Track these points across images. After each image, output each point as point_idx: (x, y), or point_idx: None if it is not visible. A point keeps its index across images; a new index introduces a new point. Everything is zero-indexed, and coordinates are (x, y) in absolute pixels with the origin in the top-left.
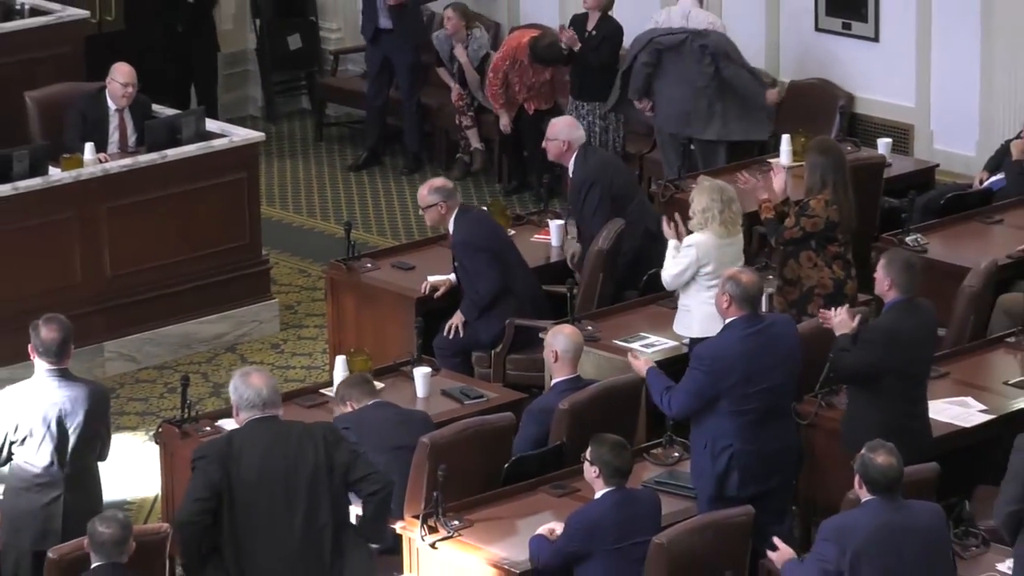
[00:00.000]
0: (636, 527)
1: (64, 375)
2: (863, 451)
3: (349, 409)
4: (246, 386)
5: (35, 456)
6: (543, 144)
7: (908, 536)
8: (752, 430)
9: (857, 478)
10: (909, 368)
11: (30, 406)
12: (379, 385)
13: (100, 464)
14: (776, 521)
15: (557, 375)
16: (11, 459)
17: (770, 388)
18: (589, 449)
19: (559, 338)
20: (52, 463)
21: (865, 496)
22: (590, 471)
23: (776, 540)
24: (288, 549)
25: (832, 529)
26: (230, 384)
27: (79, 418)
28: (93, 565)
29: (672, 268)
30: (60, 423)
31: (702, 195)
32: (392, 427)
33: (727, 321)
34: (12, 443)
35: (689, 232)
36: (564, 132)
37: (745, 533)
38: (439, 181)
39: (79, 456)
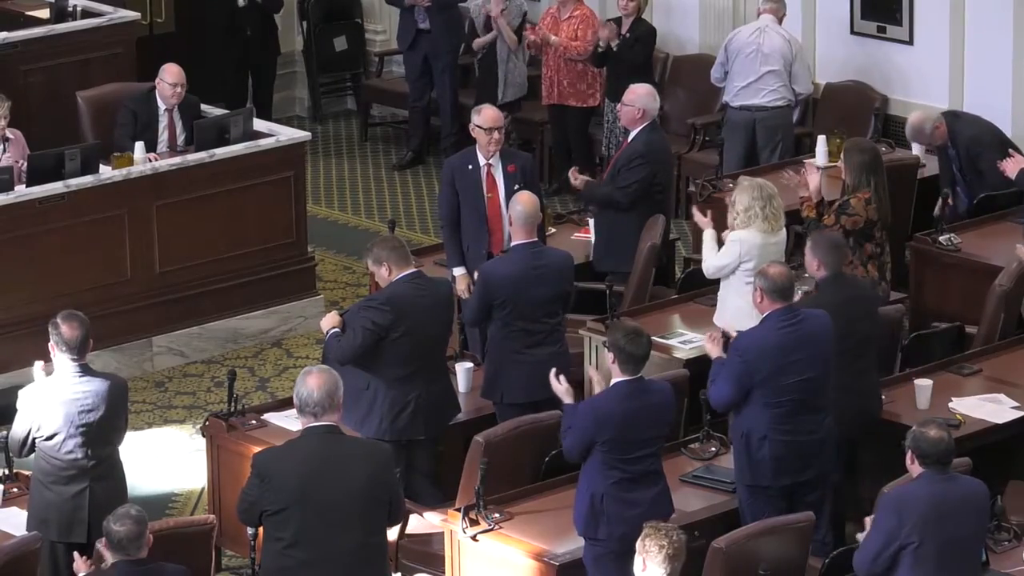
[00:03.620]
0: (644, 419)
1: (85, 370)
2: (914, 427)
3: (385, 272)
4: (303, 387)
5: (60, 450)
6: (631, 109)
7: (962, 505)
8: (786, 421)
9: (909, 453)
10: (845, 342)
11: (53, 401)
12: None
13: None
14: (818, 514)
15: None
16: (33, 451)
17: (804, 380)
18: (606, 336)
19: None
20: (77, 456)
21: (917, 470)
22: (607, 358)
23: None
24: (335, 566)
25: (891, 500)
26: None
27: (101, 411)
28: (111, 562)
29: (716, 260)
30: (83, 417)
31: (743, 194)
32: (423, 315)
33: (764, 315)
34: (36, 438)
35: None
36: (642, 100)
37: (805, 539)
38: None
39: (102, 448)
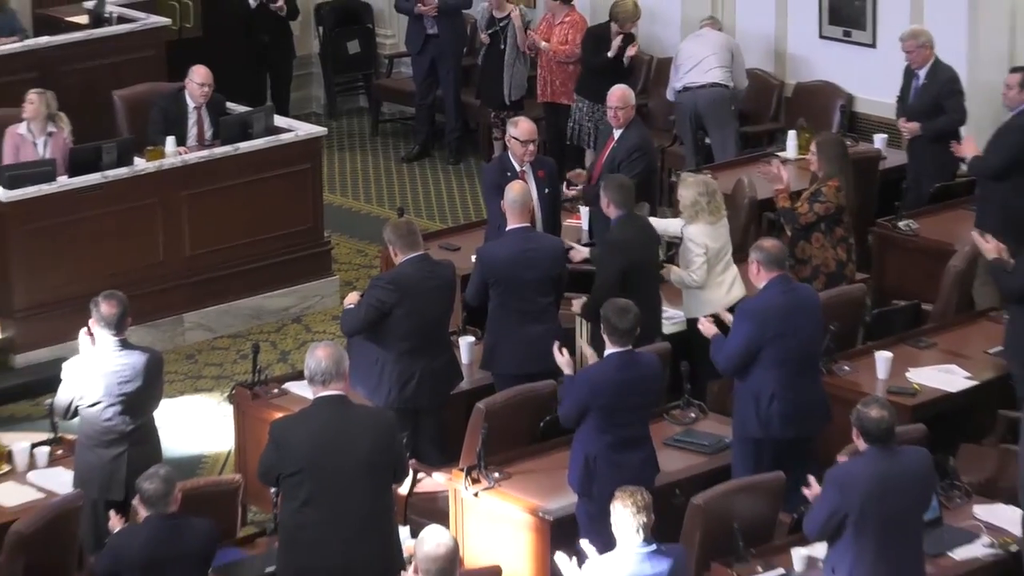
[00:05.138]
0: (635, 388)
1: (123, 344)
2: (858, 406)
3: (393, 255)
4: (312, 358)
5: (101, 417)
6: (617, 112)
7: (903, 479)
8: (791, 378)
9: (855, 430)
10: (633, 270)
11: (95, 373)
12: None
13: (174, 423)
14: (801, 465)
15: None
16: (76, 416)
17: (804, 340)
18: (601, 312)
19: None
20: (116, 422)
21: (863, 446)
22: (601, 333)
23: (811, 478)
24: (347, 522)
25: (835, 476)
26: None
27: (138, 382)
28: (143, 516)
29: (697, 273)
30: (122, 387)
31: (689, 190)
32: (427, 294)
33: (763, 284)
34: (79, 406)
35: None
36: (632, 100)
37: (777, 497)
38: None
39: (139, 415)
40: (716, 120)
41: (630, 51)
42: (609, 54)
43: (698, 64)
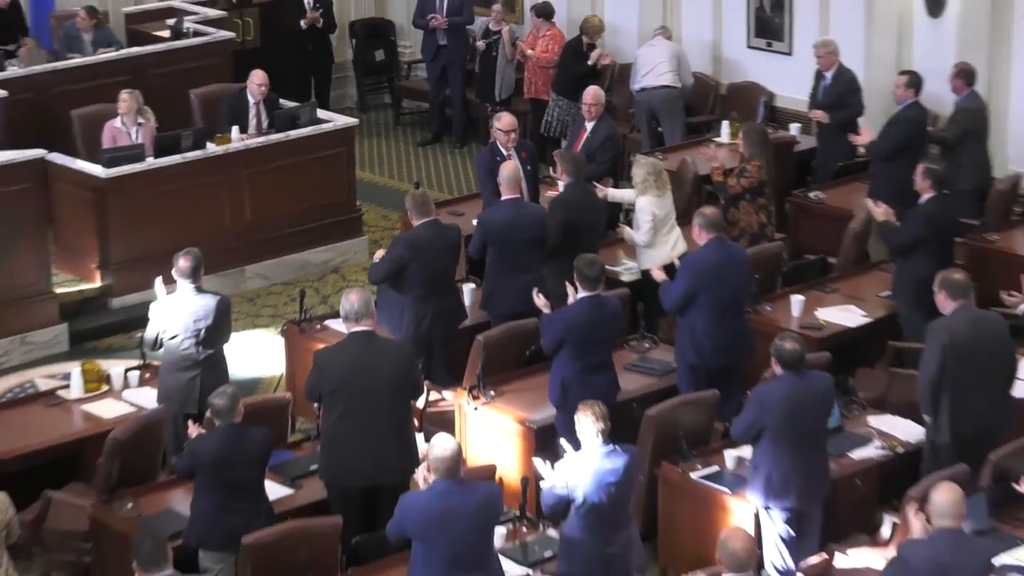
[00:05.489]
0: (602, 325)
1: (199, 290)
2: (776, 339)
3: (410, 219)
4: (346, 301)
5: (180, 347)
6: (592, 108)
7: (810, 398)
8: (720, 318)
9: (773, 359)
10: (576, 223)
11: (175, 312)
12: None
13: (229, 351)
14: (733, 389)
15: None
16: (161, 347)
17: (733, 288)
18: (574, 264)
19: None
20: (191, 352)
21: (779, 371)
22: (575, 281)
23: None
24: (378, 437)
25: (756, 395)
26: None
27: (210, 320)
28: (217, 424)
29: (643, 235)
30: (196, 324)
31: (640, 169)
32: (439, 251)
33: (703, 243)
34: (162, 339)
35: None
36: (602, 98)
37: (713, 410)
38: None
39: (210, 346)
40: (667, 114)
41: (605, 60)
42: (589, 63)
43: (652, 69)
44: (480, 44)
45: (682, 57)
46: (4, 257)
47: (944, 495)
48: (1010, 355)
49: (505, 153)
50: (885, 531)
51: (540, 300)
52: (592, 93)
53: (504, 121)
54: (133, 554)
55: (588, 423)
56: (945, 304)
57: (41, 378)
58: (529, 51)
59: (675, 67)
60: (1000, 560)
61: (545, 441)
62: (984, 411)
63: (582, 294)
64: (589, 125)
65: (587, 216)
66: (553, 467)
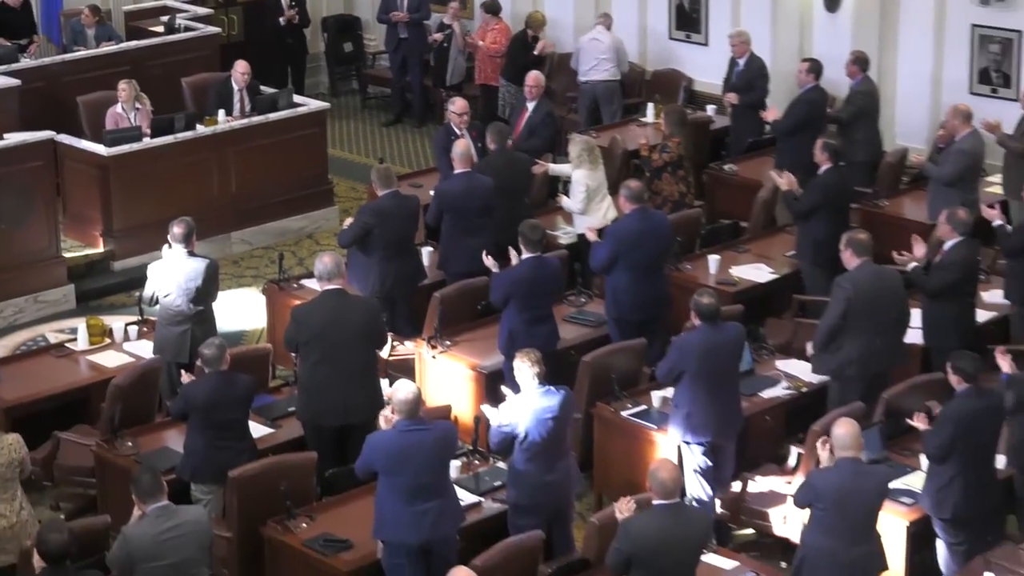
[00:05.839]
0: (544, 282)
1: (191, 254)
2: (695, 295)
3: (376, 190)
4: (319, 263)
5: (173, 304)
6: (532, 89)
7: (724, 346)
8: (639, 278)
9: (692, 312)
10: (505, 193)
11: (170, 273)
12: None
13: (217, 308)
14: (656, 339)
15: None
16: (157, 304)
17: (651, 252)
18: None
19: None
20: (183, 308)
21: (697, 322)
22: (519, 244)
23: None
24: (347, 381)
25: (677, 343)
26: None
27: (200, 280)
28: (206, 372)
29: (578, 203)
30: (188, 283)
31: (576, 146)
32: (400, 219)
33: (627, 212)
34: (158, 297)
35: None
36: (543, 81)
37: (640, 356)
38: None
39: (200, 303)
40: (608, 101)
41: (548, 49)
42: (535, 53)
43: (596, 64)
44: (436, 37)
45: (621, 48)
46: (18, 226)
47: (844, 429)
48: (904, 305)
49: (459, 133)
50: (791, 461)
51: (489, 261)
52: (533, 76)
53: (458, 105)
54: (133, 487)
55: (525, 368)
56: (850, 260)
57: (51, 332)
58: (479, 43)
59: (615, 61)
60: (893, 485)
61: (493, 384)
62: (880, 354)
63: (526, 255)
64: (530, 105)
65: (508, 182)
66: (499, 408)
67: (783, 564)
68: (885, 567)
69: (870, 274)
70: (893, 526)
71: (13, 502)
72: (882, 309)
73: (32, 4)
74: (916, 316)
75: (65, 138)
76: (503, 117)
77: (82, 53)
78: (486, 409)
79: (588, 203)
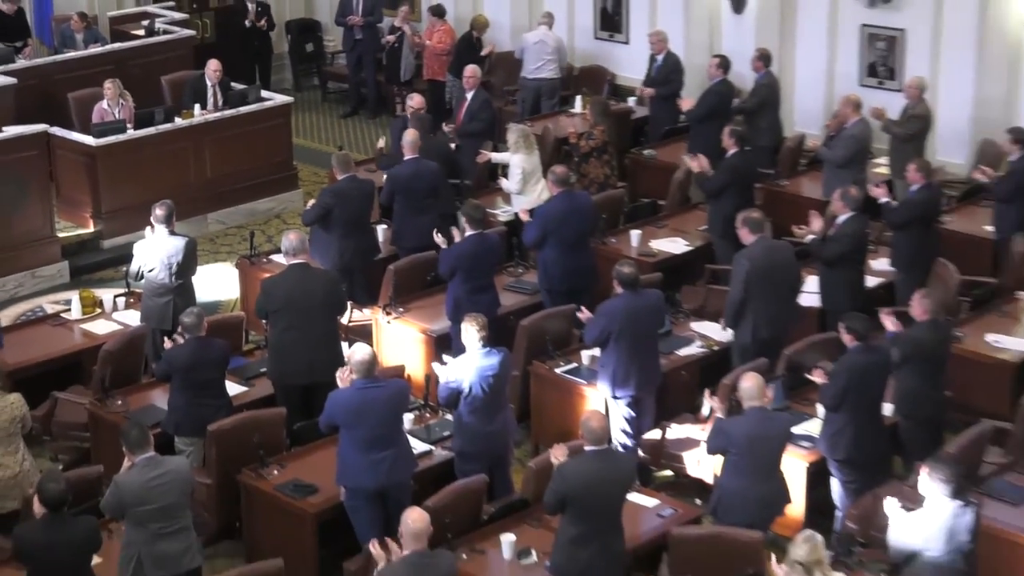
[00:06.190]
0: (486, 255)
1: (172, 233)
2: (616, 265)
3: (335, 174)
4: (286, 240)
5: (157, 278)
6: (469, 79)
7: (645, 310)
8: (566, 252)
9: (615, 280)
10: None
11: (153, 250)
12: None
13: (195, 281)
14: (584, 301)
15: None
16: (142, 278)
17: (576, 230)
18: (463, 208)
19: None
20: (166, 281)
21: (619, 290)
22: (461, 222)
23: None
24: (311, 345)
25: (603, 308)
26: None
27: (180, 256)
28: (187, 338)
29: (515, 185)
30: (170, 259)
31: (513, 133)
32: (357, 199)
33: (553, 194)
34: (143, 271)
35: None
36: (479, 73)
37: (571, 320)
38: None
39: (180, 277)
40: (549, 96)
41: (493, 50)
42: (481, 54)
43: (541, 65)
44: (389, 39)
45: (562, 48)
46: (16, 209)
47: (750, 382)
48: (797, 274)
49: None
50: (705, 410)
51: (438, 237)
52: (470, 69)
53: (415, 100)
54: (123, 440)
55: (472, 331)
56: (746, 237)
57: (47, 304)
58: (427, 42)
59: (556, 60)
60: (794, 430)
61: (441, 345)
62: (778, 317)
63: (469, 232)
64: (469, 95)
65: (437, 157)
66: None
67: (698, 501)
68: (788, 501)
69: (764, 248)
70: (794, 466)
71: (16, 454)
72: (777, 278)
73: (26, 10)
74: (813, 282)
75: (57, 130)
76: (450, 108)
77: (71, 54)
78: (436, 367)
79: (524, 184)
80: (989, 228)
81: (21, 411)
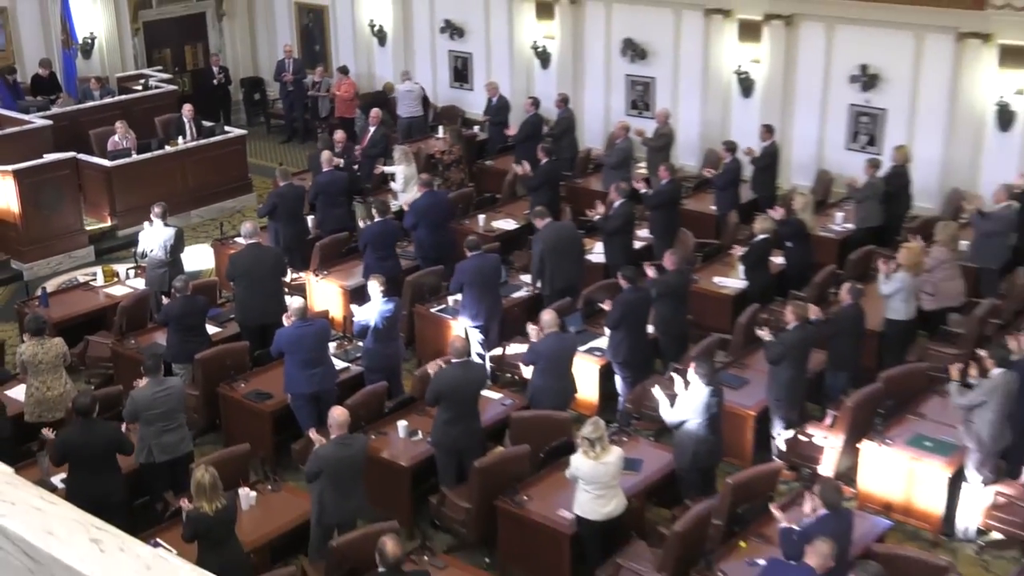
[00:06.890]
0: (389, 235)
1: (166, 224)
2: (467, 238)
3: (278, 182)
4: (244, 227)
5: (156, 256)
6: (372, 118)
7: (488, 267)
8: (434, 232)
9: (465, 248)
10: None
11: (153, 236)
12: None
13: (184, 257)
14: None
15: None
16: (145, 256)
17: (438, 216)
18: (374, 202)
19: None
20: (163, 258)
21: (469, 253)
22: (372, 211)
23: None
24: (265, 298)
25: (459, 266)
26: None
27: (172, 240)
28: (178, 296)
29: (399, 185)
30: (166, 242)
31: (397, 151)
32: (294, 199)
33: (421, 193)
34: (146, 252)
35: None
36: (380, 114)
37: (440, 275)
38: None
39: (173, 255)
40: (418, 129)
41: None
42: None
43: (411, 106)
44: (313, 91)
45: (423, 95)
46: (55, 210)
47: (548, 316)
48: (580, 244)
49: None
50: (532, 336)
51: (362, 223)
52: (374, 111)
53: (339, 135)
54: (143, 365)
55: (375, 286)
56: (539, 223)
57: (80, 275)
58: (336, 92)
59: (420, 103)
60: (589, 345)
61: (355, 297)
62: (570, 273)
63: (378, 218)
64: (371, 128)
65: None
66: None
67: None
68: (576, 391)
69: (553, 229)
70: (588, 369)
71: (60, 379)
72: (564, 248)
73: (56, 73)
74: (599, 247)
75: (83, 156)
76: (354, 136)
77: (91, 104)
78: (354, 309)
79: (405, 186)
80: (713, 208)
81: (63, 349)
